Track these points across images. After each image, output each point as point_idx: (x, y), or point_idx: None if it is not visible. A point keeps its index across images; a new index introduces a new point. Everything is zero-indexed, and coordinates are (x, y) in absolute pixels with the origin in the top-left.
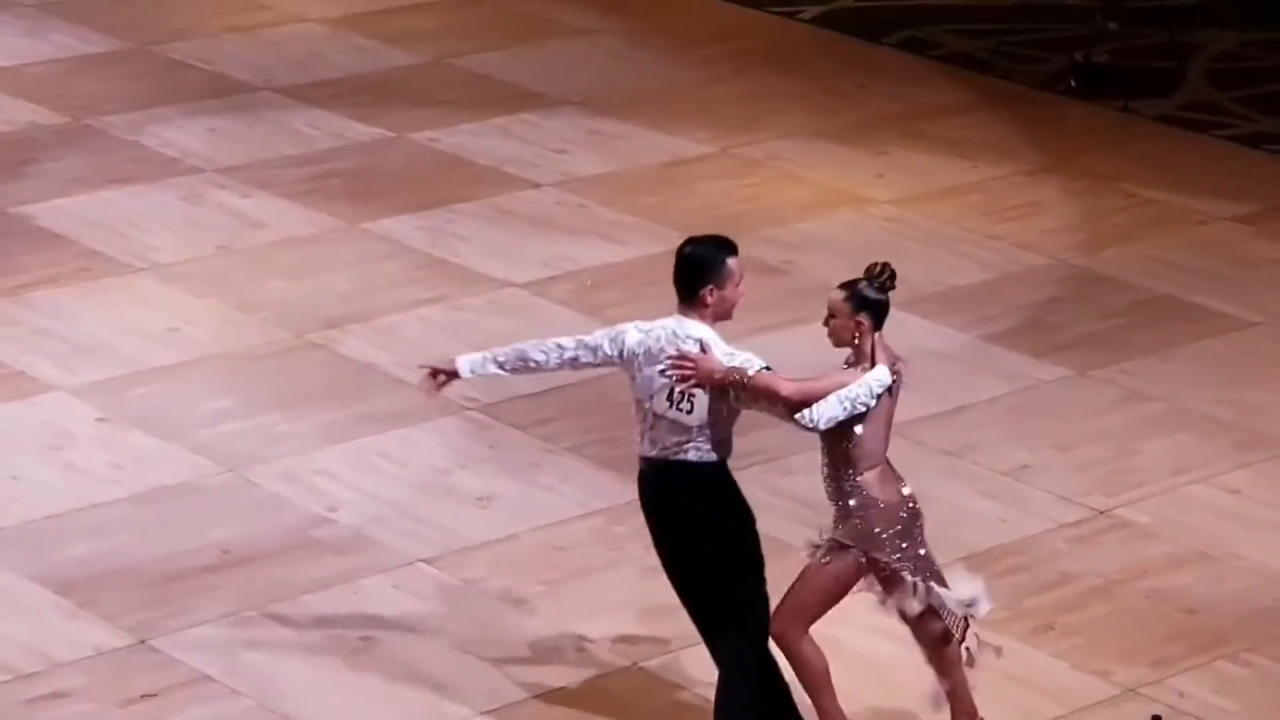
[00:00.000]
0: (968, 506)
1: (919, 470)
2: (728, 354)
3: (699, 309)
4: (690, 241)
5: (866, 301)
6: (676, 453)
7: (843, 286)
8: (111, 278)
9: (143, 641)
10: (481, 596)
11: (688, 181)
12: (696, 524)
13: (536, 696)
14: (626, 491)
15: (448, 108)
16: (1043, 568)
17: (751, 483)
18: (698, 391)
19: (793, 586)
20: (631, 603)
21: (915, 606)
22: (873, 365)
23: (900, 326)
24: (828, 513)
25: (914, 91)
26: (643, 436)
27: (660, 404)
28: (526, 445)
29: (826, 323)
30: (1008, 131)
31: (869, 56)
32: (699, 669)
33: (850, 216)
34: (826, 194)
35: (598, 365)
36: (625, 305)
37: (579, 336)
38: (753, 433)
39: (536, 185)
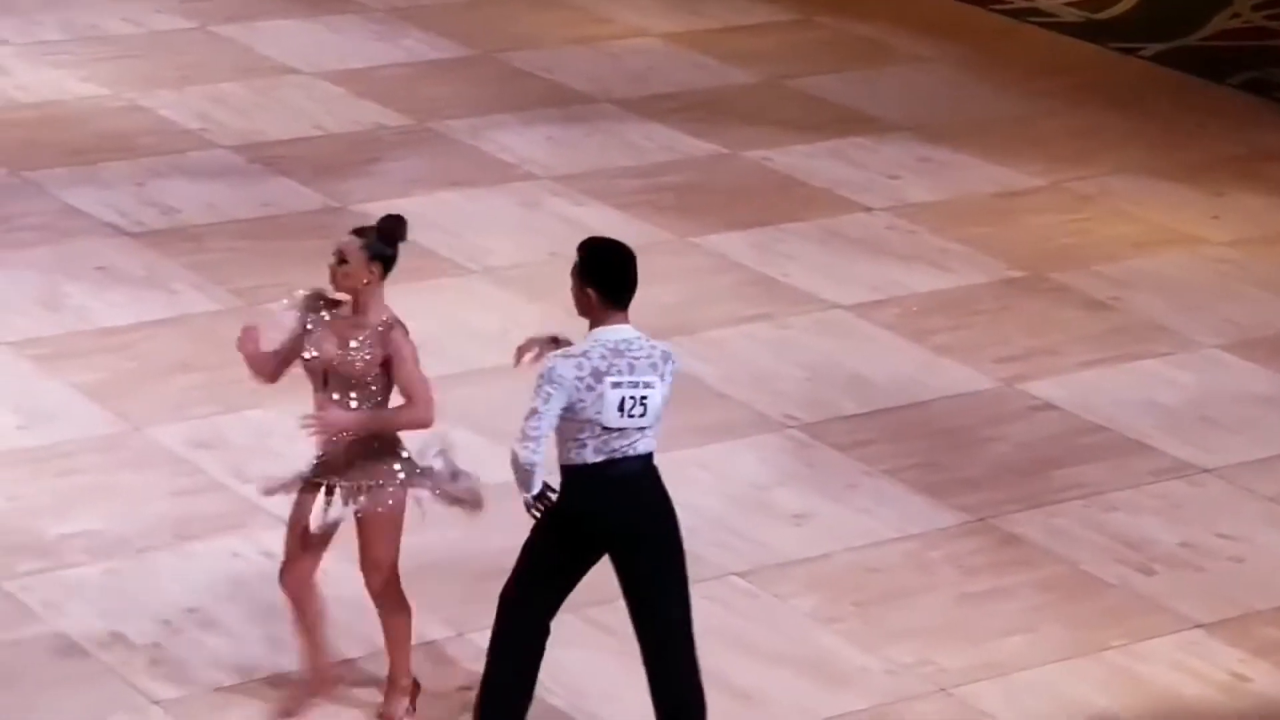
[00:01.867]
0: None
1: (1242, 516)
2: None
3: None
4: (600, 242)
5: (380, 252)
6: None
7: (357, 232)
8: (445, 278)
9: (461, 634)
10: (792, 613)
11: (1018, 213)
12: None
13: (842, 716)
14: (941, 517)
15: (782, 128)
16: None
17: (1071, 517)
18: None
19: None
20: (942, 629)
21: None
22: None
23: (1228, 370)
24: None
25: (1255, 133)
26: (581, 446)
27: (613, 418)
28: (845, 466)
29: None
30: None
31: (1210, 96)
32: (1003, 699)
33: (1182, 256)
34: (1159, 232)
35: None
36: (949, 332)
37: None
38: (1073, 466)
39: (868, 209)
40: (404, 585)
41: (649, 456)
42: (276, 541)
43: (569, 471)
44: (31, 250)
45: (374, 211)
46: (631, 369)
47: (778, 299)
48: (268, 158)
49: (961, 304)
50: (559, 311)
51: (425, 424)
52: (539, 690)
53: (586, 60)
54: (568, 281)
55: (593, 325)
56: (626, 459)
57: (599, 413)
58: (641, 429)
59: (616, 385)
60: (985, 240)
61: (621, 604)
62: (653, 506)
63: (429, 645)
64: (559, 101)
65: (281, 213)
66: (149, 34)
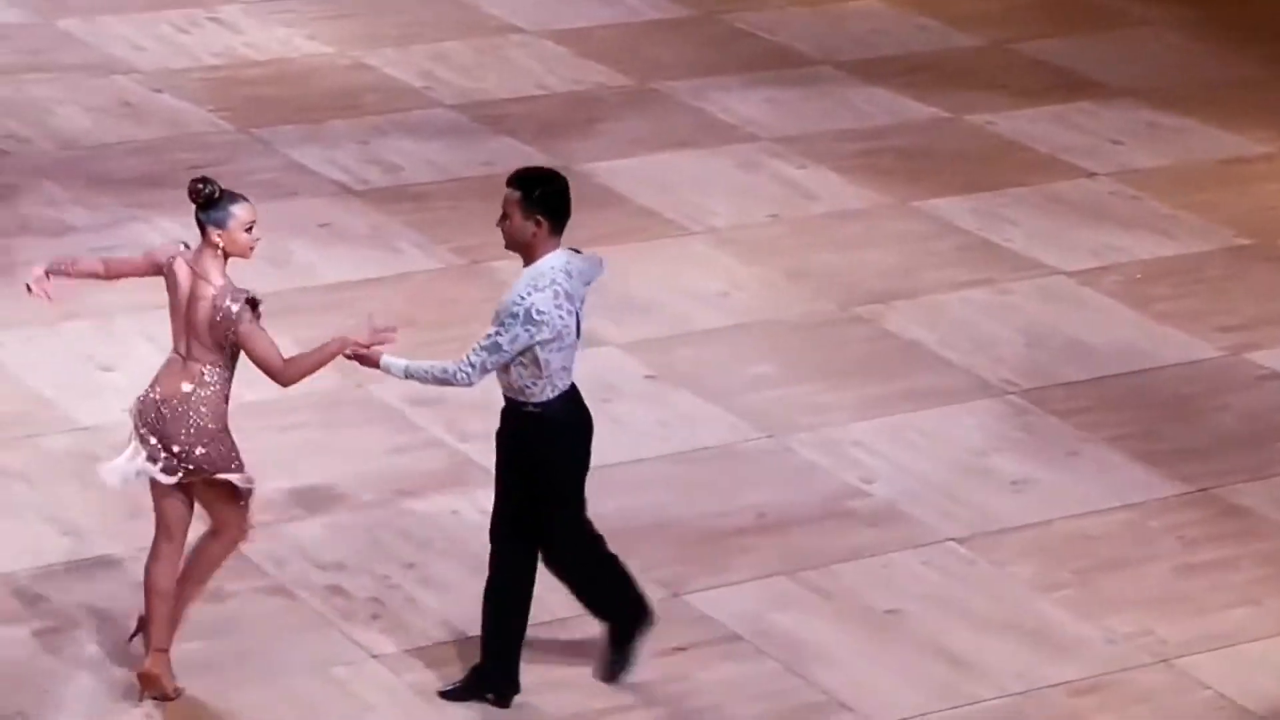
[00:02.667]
0: None
1: None
2: None
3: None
4: (541, 171)
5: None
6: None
7: None
8: (666, 239)
9: (676, 595)
10: (1010, 580)
11: (1246, 180)
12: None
13: (1060, 685)
14: (1162, 487)
15: (1005, 92)
16: None
17: None
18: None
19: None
20: (1163, 599)
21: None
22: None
23: None
24: None
25: None
26: (564, 371)
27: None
28: (1064, 433)
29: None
30: None
31: None
32: (1226, 672)
33: None
34: None
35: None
36: (1173, 300)
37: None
38: None
39: (1091, 174)
40: (617, 547)
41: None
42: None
43: (558, 403)
44: (258, 207)
45: (596, 172)
46: (576, 290)
47: (998, 264)
48: (490, 116)
49: (1186, 271)
50: (777, 274)
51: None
52: (752, 650)
53: (810, 22)
54: (789, 244)
55: (535, 255)
56: (573, 385)
57: (576, 335)
58: (575, 347)
59: (574, 309)
60: (1211, 207)
61: (837, 567)
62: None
63: None
64: (781, 63)
65: (503, 171)
66: None
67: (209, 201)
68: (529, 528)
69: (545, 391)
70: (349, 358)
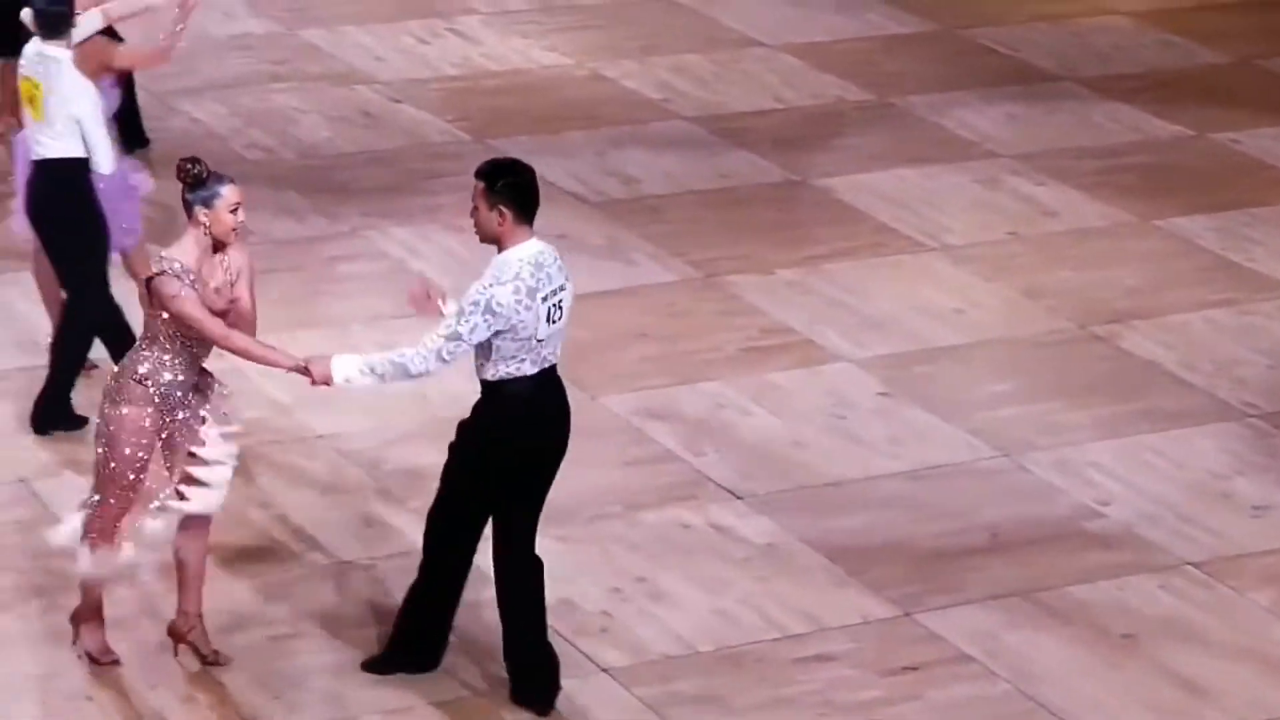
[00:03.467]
0: None
1: None
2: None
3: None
4: (506, 161)
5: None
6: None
7: None
8: (904, 255)
9: (908, 614)
10: (1249, 606)
11: None
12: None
13: None
14: None
15: (1251, 109)
16: None
17: None
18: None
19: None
20: None
21: None
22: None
23: None
24: None
25: None
26: (518, 359)
27: (544, 329)
28: None
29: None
30: None
31: None
32: None
33: None
34: None
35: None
36: None
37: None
38: None
39: None
40: (849, 564)
41: (555, 367)
42: (726, 514)
43: (508, 385)
44: None
45: (835, 187)
46: (550, 280)
47: (1242, 284)
48: (728, 129)
49: None
50: (1014, 292)
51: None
52: (983, 671)
53: (1051, 38)
54: (1027, 261)
55: (504, 246)
56: (553, 366)
57: (536, 328)
58: (559, 333)
59: (544, 299)
60: None
61: (1072, 589)
62: (567, 414)
63: (871, 624)
64: (1022, 79)
65: (740, 184)
66: (613, 4)
67: (197, 181)
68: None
69: (503, 369)
70: (301, 373)
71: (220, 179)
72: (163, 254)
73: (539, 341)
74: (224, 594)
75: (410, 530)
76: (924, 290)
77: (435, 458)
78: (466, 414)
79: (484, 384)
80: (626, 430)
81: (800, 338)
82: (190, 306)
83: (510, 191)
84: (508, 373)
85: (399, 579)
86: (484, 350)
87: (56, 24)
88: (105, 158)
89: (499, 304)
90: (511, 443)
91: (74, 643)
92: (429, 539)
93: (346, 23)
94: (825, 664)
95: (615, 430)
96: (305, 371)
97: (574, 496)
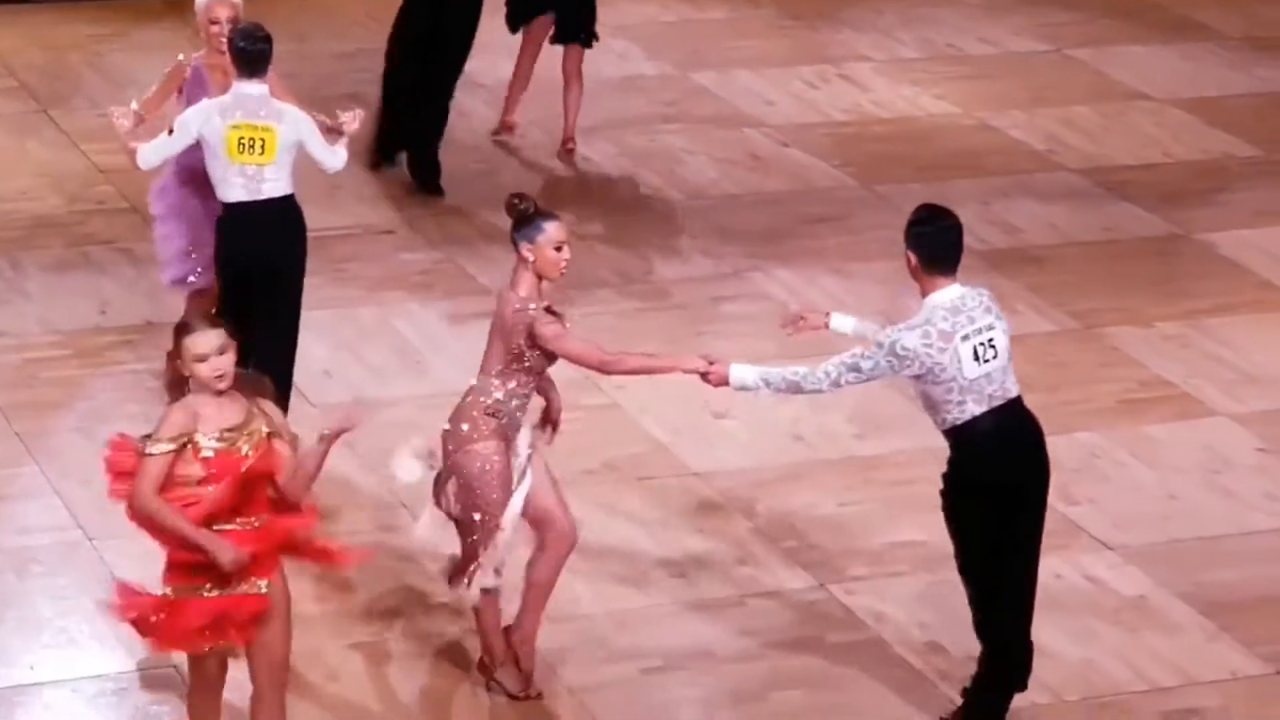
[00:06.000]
0: None
1: None
2: None
3: None
4: (929, 210)
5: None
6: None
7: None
8: None
9: (1279, 672)
10: None
11: None
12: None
13: None
14: None
15: None
16: None
17: None
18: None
19: None
20: None
21: None
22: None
23: None
24: None
25: None
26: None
27: (971, 369)
28: None
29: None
30: None
31: None
32: None
33: None
34: None
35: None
36: None
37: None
38: None
39: None
40: (1223, 619)
41: (1019, 398)
42: (1098, 564)
43: (963, 429)
44: (874, 263)
45: (1218, 242)
46: (971, 320)
47: None
48: (1113, 182)
49: None
50: None
51: None
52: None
53: None
54: None
55: (923, 290)
56: (1011, 401)
57: (959, 370)
58: (1003, 369)
59: (965, 339)
60: None
61: None
62: (1035, 444)
63: (1240, 680)
64: None
65: (1123, 237)
66: (1004, 55)
67: (522, 218)
68: None
69: (953, 417)
70: (700, 374)
71: (547, 216)
72: (517, 300)
73: (970, 381)
74: (587, 626)
75: (781, 570)
76: None
77: (810, 498)
78: (843, 457)
79: (945, 436)
80: None
81: (1178, 391)
82: (573, 343)
83: (916, 239)
84: (956, 417)
85: (768, 619)
86: (924, 401)
87: (257, 61)
88: (339, 157)
89: (904, 348)
90: (982, 483)
91: (488, 689)
92: (993, 607)
93: (738, 66)
94: (1192, 718)
95: None
96: (705, 373)
97: (946, 540)
